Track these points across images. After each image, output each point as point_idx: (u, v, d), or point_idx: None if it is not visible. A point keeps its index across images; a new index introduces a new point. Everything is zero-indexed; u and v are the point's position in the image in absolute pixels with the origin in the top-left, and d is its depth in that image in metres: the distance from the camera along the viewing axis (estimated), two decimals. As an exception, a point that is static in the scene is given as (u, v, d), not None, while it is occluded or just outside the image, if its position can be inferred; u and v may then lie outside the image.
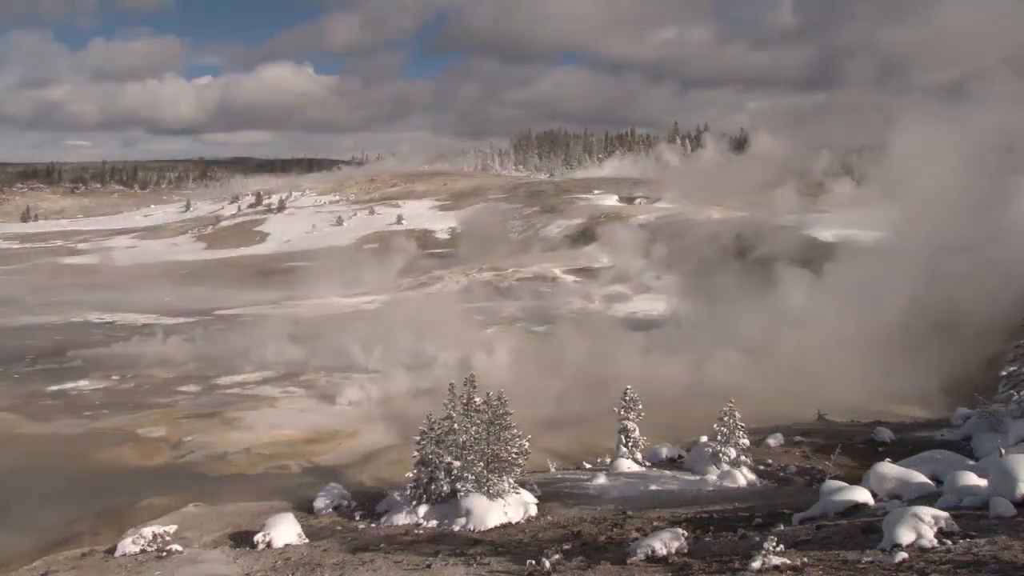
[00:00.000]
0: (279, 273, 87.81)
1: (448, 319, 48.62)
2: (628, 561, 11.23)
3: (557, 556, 11.62)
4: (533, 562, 11.62)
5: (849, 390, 30.86)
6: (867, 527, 11.19)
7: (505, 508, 16.40)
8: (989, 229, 42.35)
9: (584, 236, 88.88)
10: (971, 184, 45.73)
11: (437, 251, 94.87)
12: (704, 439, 20.90)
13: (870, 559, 9.51)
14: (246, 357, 43.04)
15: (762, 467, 20.06)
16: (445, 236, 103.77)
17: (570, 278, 71.55)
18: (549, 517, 16.42)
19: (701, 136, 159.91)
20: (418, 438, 17.30)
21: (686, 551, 11.33)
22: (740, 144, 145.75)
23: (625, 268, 71.45)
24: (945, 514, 10.21)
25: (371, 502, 18.91)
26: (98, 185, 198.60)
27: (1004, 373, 19.47)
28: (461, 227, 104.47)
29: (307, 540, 15.75)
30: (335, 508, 18.85)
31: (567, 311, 56.99)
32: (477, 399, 16.98)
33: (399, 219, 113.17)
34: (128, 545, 15.60)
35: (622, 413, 21.23)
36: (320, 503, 18.99)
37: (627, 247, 75.51)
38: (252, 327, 51.51)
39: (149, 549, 15.43)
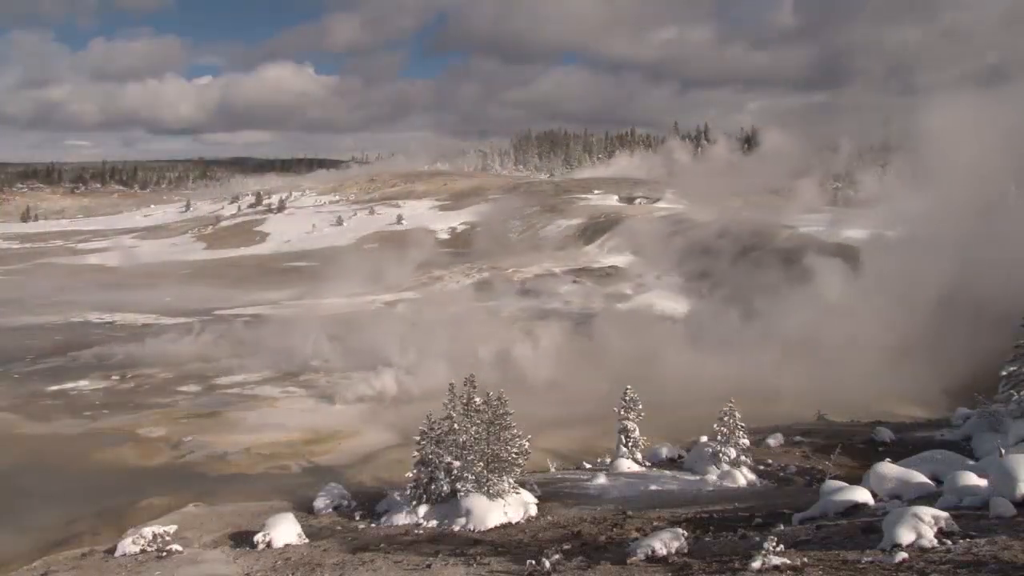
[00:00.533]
0: (279, 273, 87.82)
1: (456, 317, 48.55)
2: (628, 561, 11.22)
3: (557, 556, 11.61)
4: (533, 562, 11.61)
5: (852, 390, 30.82)
6: (867, 527, 11.17)
7: (505, 508, 16.38)
8: (997, 229, 42.24)
9: (585, 236, 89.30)
10: (982, 186, 45.71)
11: (438, 251, 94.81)
12: (704, 439, 20.89)
13: (870, 559, 9.49)
14: (248, 357, 43.00)
15: (762, 467, 20.04)
16: (445, 236, 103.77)
17: (570, 277, 71.54)
18: (549, 517, 16.40)
19: (701, 136, 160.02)
20: (418, 438, 17.29)
21: (686, 551, 11.31)
22: (743, 144, 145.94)
23: (627, 267, 71.53)
24: (945, 514, 10.19)
25: (371, 502, 18.90)
26: (98, 185, 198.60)
27: (1004, 373, 19.41)
28: (473, 225, 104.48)
29: (307, 540, 15.74)
30: (335, 508, 18.85)
31: (567, 311, 56.99)
32: (477, 399, 16.97)
33: (399, 219, 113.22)
34: (128, 545, 15.60)
35: (622, 413, 21.22)
36: (320, 503, 18.99)
37: (628, 247, 75.58)
38: (253, 327, 51.50)
39: (149, 549, 15.42)
